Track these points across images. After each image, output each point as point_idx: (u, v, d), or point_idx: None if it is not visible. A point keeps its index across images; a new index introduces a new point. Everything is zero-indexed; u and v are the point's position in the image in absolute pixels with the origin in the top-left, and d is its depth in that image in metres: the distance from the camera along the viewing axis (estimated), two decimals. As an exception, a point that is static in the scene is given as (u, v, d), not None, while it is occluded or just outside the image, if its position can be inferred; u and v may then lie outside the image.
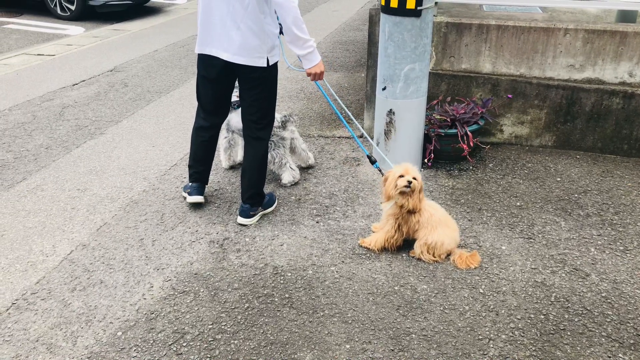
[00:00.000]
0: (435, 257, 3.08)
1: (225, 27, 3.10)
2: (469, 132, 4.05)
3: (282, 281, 2.97)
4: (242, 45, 3.13)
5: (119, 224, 3.60)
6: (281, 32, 3.32)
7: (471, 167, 4.24)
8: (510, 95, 4.32)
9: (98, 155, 4.72)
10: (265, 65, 3.22)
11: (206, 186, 3.84)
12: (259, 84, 3.30)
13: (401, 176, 3.03)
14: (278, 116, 4.00)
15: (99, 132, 5.28)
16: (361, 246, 3.26)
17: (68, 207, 3.83)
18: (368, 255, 3.19)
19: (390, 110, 3.94)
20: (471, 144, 4.04)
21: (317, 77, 3.35)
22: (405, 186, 2.99)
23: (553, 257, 3.09)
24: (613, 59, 4.19)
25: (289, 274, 3.03)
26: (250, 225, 3.54)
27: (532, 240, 3.27)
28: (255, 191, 3.53)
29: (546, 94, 4.34)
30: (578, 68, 4.28)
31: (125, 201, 3.91)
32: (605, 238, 3.26)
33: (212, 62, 3.24)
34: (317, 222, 3.56)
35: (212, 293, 2.89)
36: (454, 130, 4.09)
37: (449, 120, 4.12)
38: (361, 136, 4.86)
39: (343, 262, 3.13)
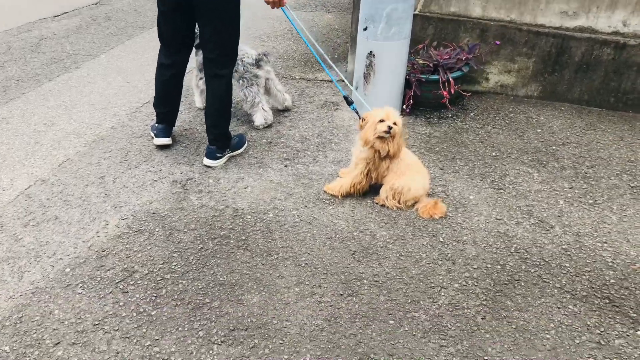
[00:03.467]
0: (400, 203, 3.00)
1: None
2: (451, 79, 3.88)
3: (240, 223, 2.90)
4: None
5: (82, 160, 3.50)
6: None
7: (451, 115, 4.10)
8: (498, 42, 4.12)
9: (70, 89, 4.57)
10: None
11: (174, 127, 3.71)
12: (218, 15, 3.09)
13: (381, 121, 2.90)
14: (253, 53, 3.83)
15: (74, 66, 5.10)
16: (326, 192, 3.17)
17: (32, 142, 3.72)
18: (332, 200, 3.10)
19: (371, 52, 3.75)
20: (452, 90, 3.88)
21: (276, 4, 3.16)
22: (385, 131, 2.86)
23: (520, 209, 3.00)
24: (608, 7, 3.96)
25: (249, 217, 2.96)
26: (217, 167, 3.44)
27: (501, 190, 3.17)
28: (220, 132, 3.41)
29: (535, 42, 4.14)
30: (571, 15, 4.06)
31: (92, 137, 3.79)
32: (576, 191, 3.16)
33: None
34: (285, 166, 3.45)
35: (167, 233, 2.83)
36: (435, 77, 3.92)
37: (431, 65, 3.94)
38: (341, 81, 4.68)
39: (306, 206, 3.05)
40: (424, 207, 2.94)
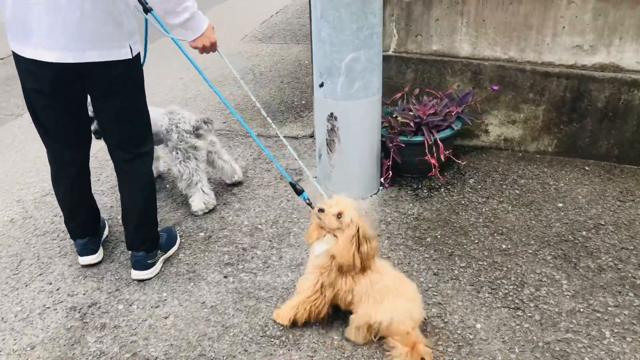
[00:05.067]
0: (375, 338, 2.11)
1: (58, 10, 2.00)
2: (439, 141, 3.01)
3: (147, 389, 2.01)
4: (92, 34, 2.06)
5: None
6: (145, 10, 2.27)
7: (445, 184, 3.22)
8: (495, 87, 3.26)
9: (-27, 164, 3.69)
10: (129, 56, 2.17)
11: (104, 234, 2.84)
12: (122, 88, 2.24)
13: (321, 210, 2.06)
14: (192, 118, 2.97)
15: (-10, 129, 4.23)
16: (275, 322, 2.28)
17: None
18: (284, 337, 2.21)
19: (331, 114, 2.89)
20: (442, 157, 3.01)
21: (206, 49, 2.32)
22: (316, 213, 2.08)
23: (550, 349, 2.11)
24: (634, 38, 3.10)
25: (162, 375, 2.07)
26: (151, 278, 2.56)
27: (519, 312, 2.29)
28: (149, 230, 2.55)
29: (544, 85, 3.28)
30: (587, 50, 3.20)
31: (-21, 239, 2.91)
32: (626, 313, 2.27)
33: (41, 68, 2.10)
34: (225, 277, 2.57)
35: (38, 414, 1.94)
36: (419, 138, 3.05)
37: (412, 123, 3.07)
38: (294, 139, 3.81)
39: (246, 350, 2.16)
40: (411, 353, 2.04)
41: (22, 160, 3.72)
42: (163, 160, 3.48)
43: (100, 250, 2.71)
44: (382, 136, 3.12)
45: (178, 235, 2.84)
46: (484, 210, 2.98)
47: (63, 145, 2.38)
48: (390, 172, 3.04)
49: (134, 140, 2.39)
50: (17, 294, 2.50)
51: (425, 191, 3.17)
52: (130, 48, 2.15)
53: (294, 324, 2.23)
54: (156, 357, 2.14)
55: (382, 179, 3.10)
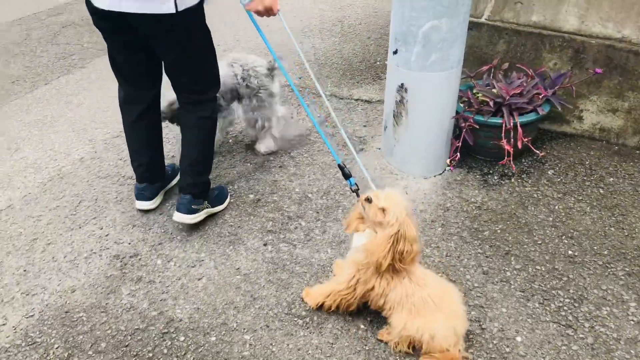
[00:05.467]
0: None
1: None
2: (519, 126, 2.67)
3: (165, 351, 2.03)
4: None
5: (22, 210, 2.80)
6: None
7: (519, 173, 2.89)
8: (599, 70, 2.80)
9: (60, 98, 3.89)
10: (173, 11, 2.07)
11: (167, 185, 2.87)
12: (174, 41, 2.19)
13: (368, 200, 1.87)
14: (264, 62, 2.90)
15: (81, 64, 4.43)
16: (303, 300, 2.20)
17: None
18: (308, 318, 2.13)
19: (402, 85, 2.64)
20: (520, 144, 2.67)
21: (263, 13, 2.17)
22: (362, 202, 1.86)
23: (598, 382, 1.85)
24: None
25: (182, 338, 2.08)
26: (192, 223, 2.59)
27: (570, 330, 2.02)
28: (200, 175, 2.55)
29: (662, 71, 2.78)
30: None
31: (51, 174, 3.08)
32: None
33: (99, 12, 2.14)
34: (264, 245, 2.51)
35: (65, 355, 2.03)
36: (497, 120, 2.72)
37: (492, 103, 2.75)
38: (323, 123, 3.58)
39: (267, 326, 2.11)
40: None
41: (103, 97, 3.86)
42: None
43: (157, 199, 2.75)
44: (457, 112, 2.83)
45: (229, 195, 2.81)
46: (557, 207, 2.64)
47: (132, 85, 2.44)
48: (459, 153, 2.77)
49: (197, 88, 2.39)
50: (70, 235, 2.63)
51: (495, 177, 2.87)
52: (175, 3, 2.05)
53: (319, 309, 2.13)
54: (180, 319, 2.16)
55: (447, 160, 2.83)
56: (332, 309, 2.08)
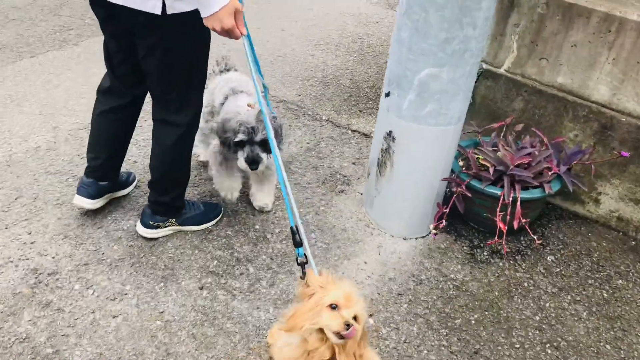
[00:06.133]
0: None
1: None
2: (519, 202, 2.34)
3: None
4: None
5: (-49, 198, 2.58)
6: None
7: (513, 252, 2.56)
8: (625, 153, 2.46)
9: (39, 75, 3.68)
10: (158, 12, 1.83)
11: (116, 191, 2.63)
12: (156, 42, 1.97)
13: (333, 306, 1.50)
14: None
15: (75, 41, 4.23)
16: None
17: None
18: (222, 392, 1.85)
19: (390, 132, 2.34)
20: (515, 224, 2.35)
21: (222, 34, 1.88)
22: (339, 334, 1.47)
23: None
24: None
25: (69, 390, 1.81)
26: (153, 238, 2.42)
27: None
28: (160, 196, 2.36)
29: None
30: None
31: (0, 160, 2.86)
32: None
33: (95, 0, 2.03)
34: (200, 288, 2.24)
35: None
36: (495, 190, 2.40)
37: (491, 169, 2.43)
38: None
39: (171, 393, 1.83)
40: None
41: (84, 82, 3.64)
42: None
43: (99, 201, 2.50)
44: (452, 172, 2.52)
45: (219, 215, 2.57)
46: (548, 305, 2.30)
47: (118, 78, 2.27)
48: (444, 220, 2.45)
49: (168, 106, 2.18)
50: (7, 233, 2.40)
51: (485, 254, 2.54)
52: (164, 5, 1.81)
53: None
54: (75, 364, 1.89)
55: (431, 226, 2.52)
56: None
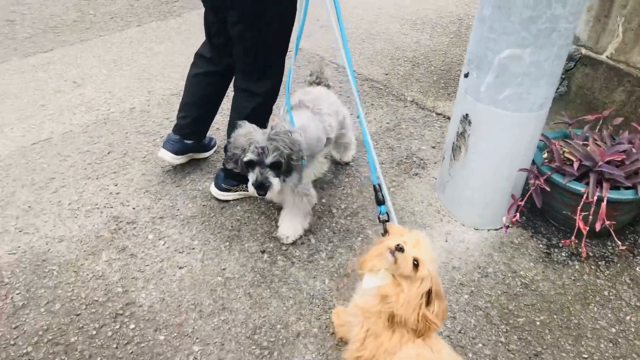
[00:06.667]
0: None
1: None
2: (604, 202, 2.20)
3: (109, 332, 1.97)
4: None
5: (56, 146, 2.90)
6: None
7: (596, 257, 2.42)
8: None
9: (141, 43, 4.00)
10: None
11: (202, 152, 2.84)
12: (245, 12, 2.14)
13: (399, 249, 1.55)
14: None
15: (178, 12, 4.53)
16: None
17: (39, 102, 3.25)
18: (268, 352, 1.94)
19: (466, 115, 2.30)
20: (598, 225, 2.21)
21: None
22: (391, 249, 1.54)
23: None
24: None
25: (132, 326, 2.00)
26: (224, 200, 2.60)
27: None
28: None
29: None
30: None
31: (98, 117, 3.16)
32: None
33: None
34: (261, 252, 2.35)
35: (21, 304, 2.04)
36: (578, 186, 2.28)
37: (576, 164, 2.30)
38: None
39: (222, 344, 1.95)
40: None
41: (181, 51, 3.90)
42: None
43: (181, 158, 2.71)
44: (533, 163, 2.43)
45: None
46: (628, 319, 2.15)
47: (215, 47, 2.43)
48: (518, 214, 2.36)
49: (251, 70, 2.33)
50: (85, 184, 2.66)
51: (563, 254, 2.42)
52: None
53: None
54: (141, 304, 2.08)
55: (504, 218, 2.44)
56: None
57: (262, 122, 2.45)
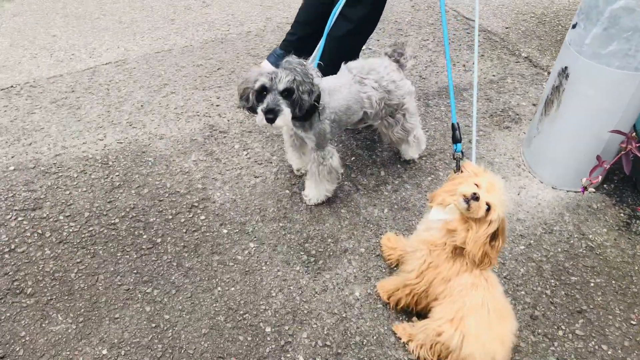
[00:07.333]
0: None
1: None
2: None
3: (182, 219, 2.31)
4: None
5: (174, 58, 3.29)
6: None
7: (682, 237, 2.27)
8: None
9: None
10: None
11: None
12: None
13: (475, 198, 1.62)
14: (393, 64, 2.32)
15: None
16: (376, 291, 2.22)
17: (170, 16, 3.67)
18: (314, 259, 2.15)
19: (565, 68, 2.23)
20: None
21: None
22: (466, 197, 1.62)
23: None
24: None
25: (202, 217, 2.32)
26: None
27: None
28: None
29: None
30: None
31: (217, 36, 3.50)
32: None
33: None
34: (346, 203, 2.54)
35: (118, 184, 2.46)
36: (675, 156, 2.14)
37: (677, 132, 2.15)
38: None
39: (275, 245, 2.21)
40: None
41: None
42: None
43: None
44: (634, 128, 2.31)
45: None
46: (695, 302, 2.04)
47: None
48: (600, 177, 2.28)
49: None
50: (192, 93, 3.02)
51: (645, 226, 2.31)
52: None
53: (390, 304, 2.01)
54: (215, 201, 2.39)
55: (583, 180, 2.37)
56: (402, 304, 1.94)
57: (352, 51, 2.58)
